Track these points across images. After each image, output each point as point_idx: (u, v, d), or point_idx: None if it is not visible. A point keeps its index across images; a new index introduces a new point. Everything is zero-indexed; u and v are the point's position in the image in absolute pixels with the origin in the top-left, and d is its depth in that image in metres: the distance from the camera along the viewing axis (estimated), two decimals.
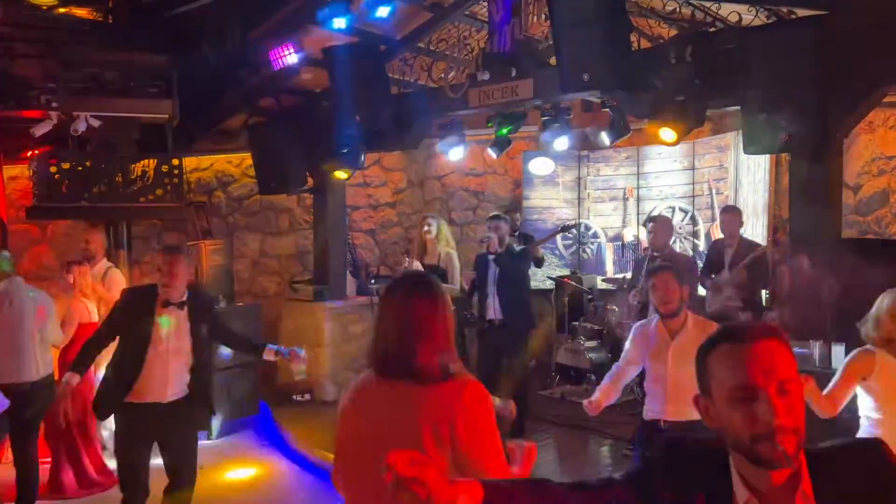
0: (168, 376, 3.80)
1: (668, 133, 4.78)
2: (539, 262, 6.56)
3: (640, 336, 3.79)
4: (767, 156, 6.66)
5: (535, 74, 5.68)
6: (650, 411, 3.71)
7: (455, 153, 6.47)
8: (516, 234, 7.01)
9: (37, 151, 7.20)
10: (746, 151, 4.41)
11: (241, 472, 5.78)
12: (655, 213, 8.19)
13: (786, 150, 4.25)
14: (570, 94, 5.49)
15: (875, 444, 1.42)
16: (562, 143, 5.96)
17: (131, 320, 3.81)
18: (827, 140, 4.11)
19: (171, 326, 3.81)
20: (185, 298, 3.84)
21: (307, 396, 7.14)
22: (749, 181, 7.15)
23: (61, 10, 8.87)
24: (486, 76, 5.93)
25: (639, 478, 1.51)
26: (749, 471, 1.37)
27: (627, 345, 3.87)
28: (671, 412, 3.57)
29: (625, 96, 5.15)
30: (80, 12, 9.01)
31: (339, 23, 5.44)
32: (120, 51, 7.50)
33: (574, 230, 7.92)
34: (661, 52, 4.95)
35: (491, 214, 6.33)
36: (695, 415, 3.50)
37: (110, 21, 8.61)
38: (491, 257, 5.91)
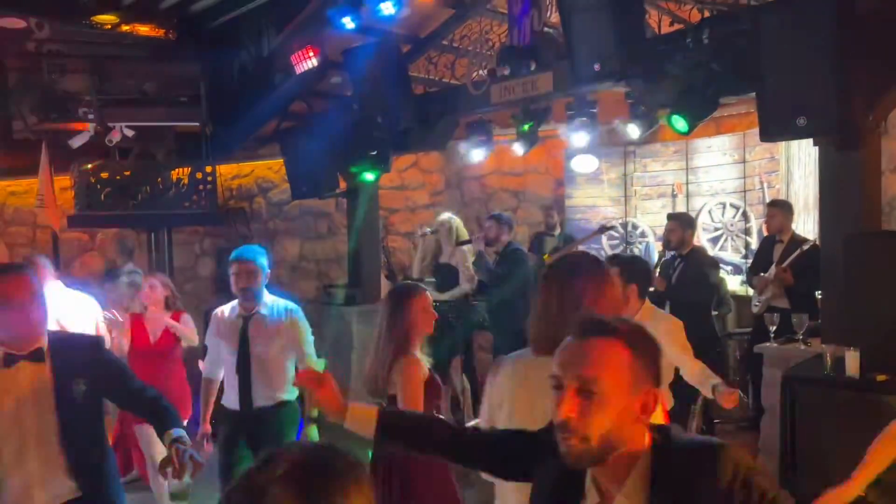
0: (29, 474, 2.45)
1: (680, 122, 4.46)
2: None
3: None
4: (817, 147, 6.16)
5: (555, 67, 5.45)
6: None
7: (479, 153, 6.29)
8: (556, 234, 6.79)
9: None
10: (762, 138, 4.06)
11: None
12: (701, 210, 7.79)
13: (805, 136, 3.88)
14: (586, 86, 5.22)
15: (711, 449, 1.31)
16: (580, 138, 5.67)
17: None
18: (851, 124, 3.71)
19: (18, 395, 2.45)
20: (41, 346, 2.50)
21: None
22: (800, 174, 6.65)
23: (125, 27, 9.25)
24: (507, 71, 5.74)
25: (532, 442, 1.59)
26: None
27: None
28: None
29: (640, 85, 4.86)
30: (144, 29, 9.37)
31: (349, 22, 5.37)
32: (161, 63, 7.74)
33: (615, 230, 7.59)
34: (678, 37, 4.65)
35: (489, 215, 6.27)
36: None
37: (171, 37, 8.91)
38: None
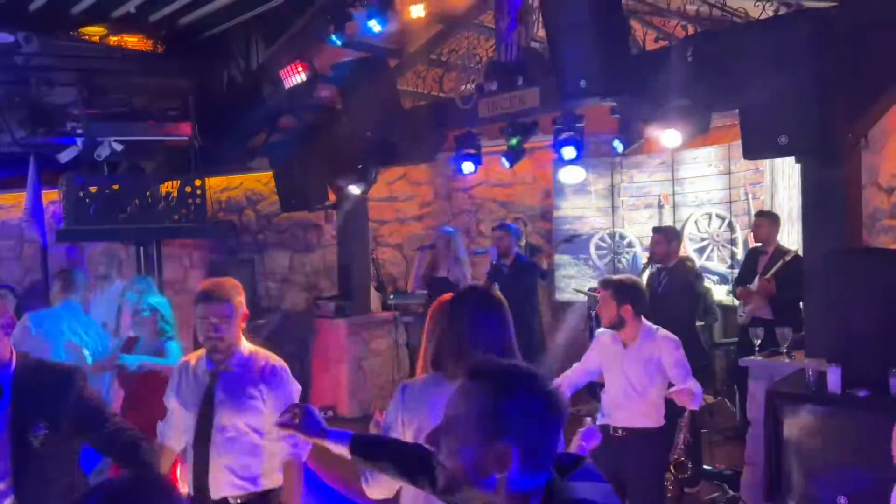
0: None
1: (671, 137, 4.53)
2: (543, 275, 6.59)
3: (599, 343, 3.85)
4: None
5: (542, 83, 5.52)
6: (603, 416, 3.78)
7: (467, 166, 6.34)
8: (522, 244, 6.87)
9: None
10: (746, 156, 4.14)
11: None
12: (687, 220, 7.89)
13: (787, 154, 3.95)
14: (572, 102, 5.29)
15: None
16: (570, 152, 5.74)
17: None
18: (832, 142, 3.79)
19: None
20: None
21: (330, 413, 7.13)
22: (784, 185, 6.75)
23: (113, 38, 9.24)
24: (494, 86, 5.80)
25: None
26: None
27: (589, 349, 3.95)
28: (622, 419, 3.66)
29: (626, 101, 4.93)
30: (132, 40, 9.36)
31: (337, 39, 5.43)
32: (150, 76, 7.75)
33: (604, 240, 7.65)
34: (662, 54, 4.73)
35: (496, 224, 6.32)
36: (644, 422, 3.42)
37: (160, 49, 8.90)
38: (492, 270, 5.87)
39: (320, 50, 6.27)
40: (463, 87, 6.33)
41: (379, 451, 2.00)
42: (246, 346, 2.89)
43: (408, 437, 2.24)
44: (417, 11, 5.19)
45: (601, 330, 3.88)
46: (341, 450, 2.01)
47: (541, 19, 5.81)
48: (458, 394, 1.37)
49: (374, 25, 5.11)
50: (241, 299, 2.85)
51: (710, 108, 4.50)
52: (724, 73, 4.22)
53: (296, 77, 6.22)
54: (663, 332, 3.65)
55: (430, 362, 2.30)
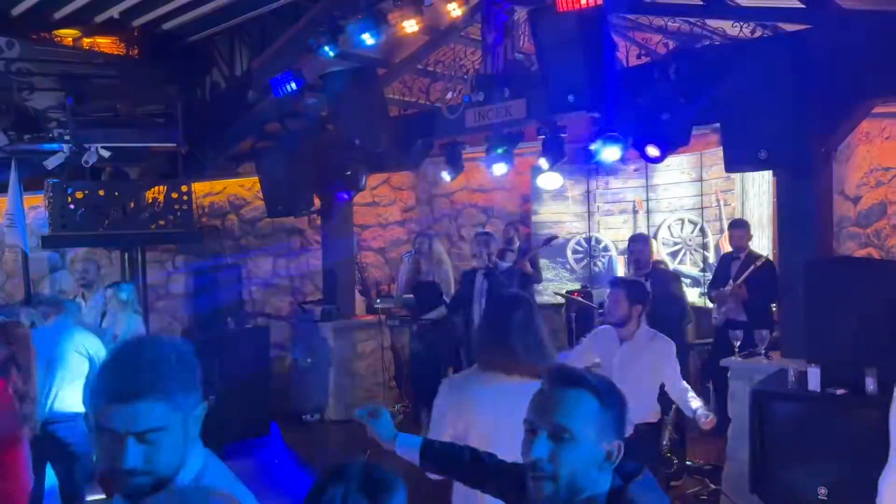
0: None
1: (653, 151, 4.76)
2: (534, 278, 6.73)
3: (597, 337, 4.01)
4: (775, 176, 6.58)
5: (528, 94, 5.72)
6: None
7: (451, 173, 6.52)
8: (515, 248, 7.08)
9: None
10: (728, 170, 4.38)
11: None
12: (660, 226, 8.17)
13: (766, 168, 4.21)
14: (559, 115, 5.50)
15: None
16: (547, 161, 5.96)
17: None
18: (807, 156, 4.06)
19: None
20: None
21: (317, 416, 7.23)
22: (755, 193, 7.07)
23: (86, 40, 9.18)
24: (481, 97, 5.99)
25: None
26: None
27: (584, 341, 4.12)
28: None
29: (611, 115, 5.14)
30: (104, 41, 9.32)
31: (330, 51, 5.55)
32: (133, 82, 7.76)
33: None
34: (646, 70, 4.96)
35: (479, 231, 6.47)
36: (639, 418, 3.62)
37: (133, 52, 8.88)
38: (482, 272, 6.04)
39: (309, 59, 6.38)
40: (449, 97, 6.51)
41: (448, 461, 2.06)
42: (194, 472, 1.42)
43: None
44: (411, 26, 5.34)
45: (602, 326, 4.06)
46: (411, 456, 2.08)
47: (526, 32, 6.04)
48: (559, 398, 1.48)
49: (368, 39, 5.25)
50: (193, 384, 1.43)
51: (691, 122, 4.73)
52: (705, 89, 4.47)
53: (286, 86, 6.31)
54: (661, 335, 3.84)
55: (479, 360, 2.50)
